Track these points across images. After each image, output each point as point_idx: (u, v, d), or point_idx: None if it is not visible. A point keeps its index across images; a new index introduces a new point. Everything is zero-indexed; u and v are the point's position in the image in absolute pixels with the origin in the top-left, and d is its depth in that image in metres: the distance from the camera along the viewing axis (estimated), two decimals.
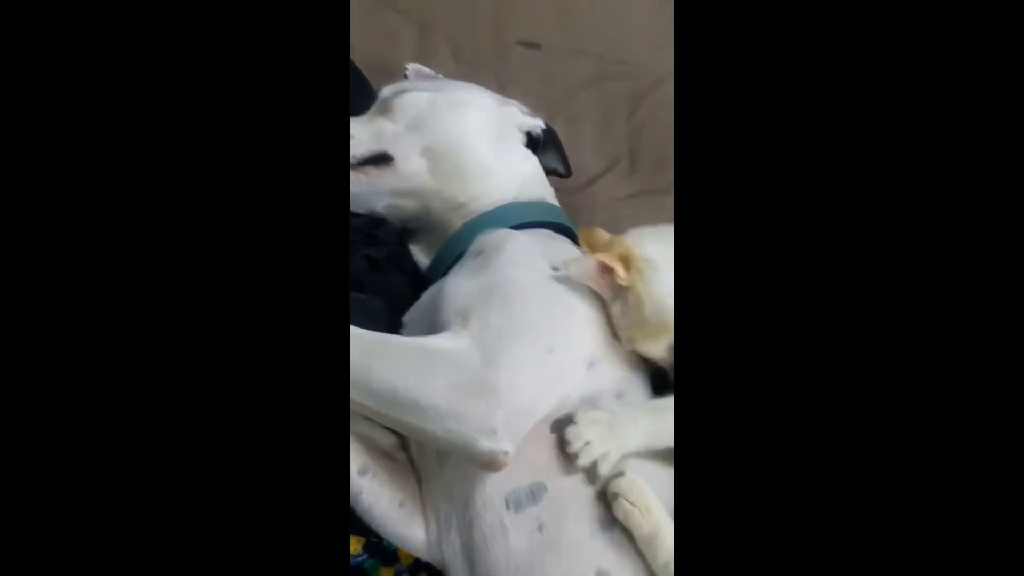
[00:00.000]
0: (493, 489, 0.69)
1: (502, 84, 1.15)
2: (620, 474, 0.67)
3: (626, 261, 0.73)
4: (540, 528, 0.68)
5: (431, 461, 0.76)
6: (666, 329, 0.72)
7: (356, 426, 0.76)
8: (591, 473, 0.68)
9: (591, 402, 0.72)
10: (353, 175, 0.90)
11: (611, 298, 0.75)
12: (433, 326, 0.75)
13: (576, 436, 0.67)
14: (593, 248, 0.78)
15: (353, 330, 0.68)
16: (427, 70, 1.07)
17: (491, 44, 1.31)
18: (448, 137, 0.90)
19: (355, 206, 0.91)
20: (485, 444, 0.65)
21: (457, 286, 0.77)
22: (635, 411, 0.70)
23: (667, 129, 1.26)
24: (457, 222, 0.89)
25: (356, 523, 0.76)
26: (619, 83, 1.31)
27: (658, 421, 0.69)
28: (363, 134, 0.91)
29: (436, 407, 0.66)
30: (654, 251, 0.74)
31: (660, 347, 0.74)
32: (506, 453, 0.66)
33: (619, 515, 0.66)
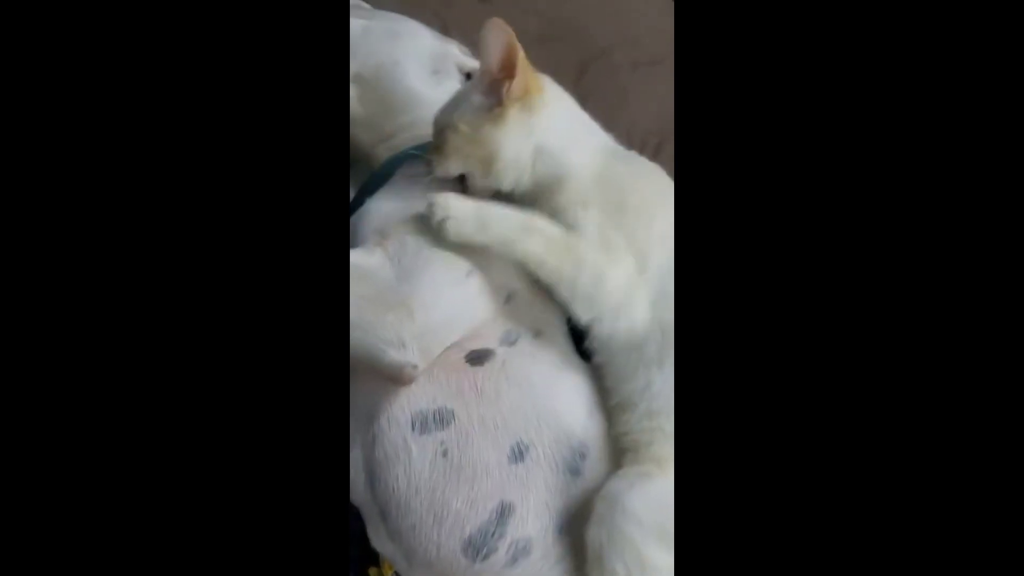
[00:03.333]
0: (400, 407, 0.67)
1: (447, 29, 1.12)
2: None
3: (534, 89, 0.71)
4: (445, 453, 0.66)
5: None
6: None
7: None
8: (441, 228, 0.67)
9: (508, 339, 0.70)
10: None
11: (481, 92, 0.71)
12: (352, 247, 0.72)
13: (441, 204, 0.67)
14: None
15: None
16: (364, 4, 1.02)
17: None
18: (379, 64, 0.87)
19: None
20: (393, 355, 0.63)
21: (379, 207, 0.75)
22: (506, 209, 0.69)
23: (614, 97, 1.30)
24: (384, 155, 0.86)
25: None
26: (566, 46, 1.29)
27: (527, 225, 0.67)
28: None
29: None
30: (554, 103, 0.72)
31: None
32: (415, 367, 0.64)
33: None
